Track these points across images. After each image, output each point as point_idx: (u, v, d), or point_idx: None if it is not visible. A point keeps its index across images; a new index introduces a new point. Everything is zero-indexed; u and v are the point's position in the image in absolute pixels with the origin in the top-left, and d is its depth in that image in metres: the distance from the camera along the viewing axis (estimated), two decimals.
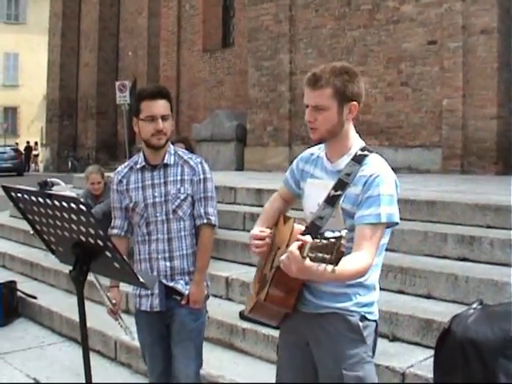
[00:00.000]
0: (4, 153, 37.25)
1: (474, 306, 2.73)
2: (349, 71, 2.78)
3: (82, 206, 2.41)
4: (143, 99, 3.56)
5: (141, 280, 2.62)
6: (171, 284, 3.62)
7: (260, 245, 2.85)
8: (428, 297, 5.14)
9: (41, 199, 2.54)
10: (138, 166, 3.66)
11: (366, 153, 2.79)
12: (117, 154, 30.86)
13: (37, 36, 49.12)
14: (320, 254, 2.22)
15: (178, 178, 3.61)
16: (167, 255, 3.61)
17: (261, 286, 2.83)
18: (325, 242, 2.23)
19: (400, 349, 4.56)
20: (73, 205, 2.42)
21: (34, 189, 2.66)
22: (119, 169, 3.79)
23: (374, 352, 2.90)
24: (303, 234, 2.54)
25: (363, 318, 2.80)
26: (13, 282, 7.41)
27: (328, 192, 2.76)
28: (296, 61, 15.03)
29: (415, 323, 4.65)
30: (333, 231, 2.29)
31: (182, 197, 3.60)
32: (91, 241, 2.54)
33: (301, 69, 14.59)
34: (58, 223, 2.59)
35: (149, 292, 3.61)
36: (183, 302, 3.61)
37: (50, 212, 2.56)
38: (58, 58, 36.52)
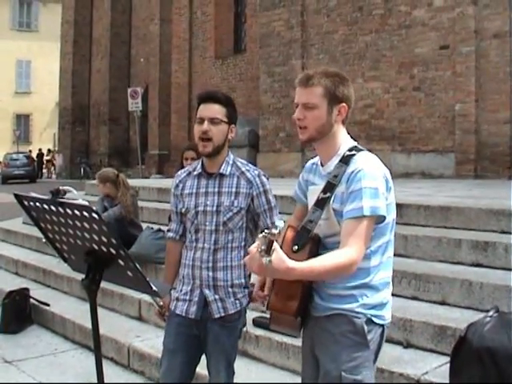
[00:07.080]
0: (17, 160, 37.44)
1: (490, 313, 2.70)
2: (340, 75, 2.87)
3: (94, 215, 2.40)
4: (198, 103, 3.55)
5: (154, 288, 2.61)
6: (211, 298, 3.48)
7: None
8: (442, 303, 5.09)
9: (53, 207, 2.54)
10: (196, 173, 3.60)
11: (353, 152, 2.80)
12: (129, 160, 30.86)
13: (49, 43, 49.39)
14: (263, 248, 2.34)
15: (233, 190, 3.51)
16: (210, 265, 3.49)
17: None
18: (261, 235, 2.35)
19: (414, 356, 4.52)
20: (85, 213, 2.42)
21: (45, 197, 2.66)
22: (178, 173, 3.75)
23: (376, 357, 2.86)
24: (293, 238, 2.70)
25: (369, 321, 2.76)
26: (26, 289, 7.41)
27: (317, 195, 2.79)
28: (308, 66, 14.96)
29: (429, 330, 4.60)
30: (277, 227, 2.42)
31: (235, 210, 3.49)
32: (104, 249, 2.54)
33: None
34: (71, 231, 2.59)
35: (187, 297, 3.53)
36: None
37: (63, 220, 2.56)
38: (70, 65, 36.65)
